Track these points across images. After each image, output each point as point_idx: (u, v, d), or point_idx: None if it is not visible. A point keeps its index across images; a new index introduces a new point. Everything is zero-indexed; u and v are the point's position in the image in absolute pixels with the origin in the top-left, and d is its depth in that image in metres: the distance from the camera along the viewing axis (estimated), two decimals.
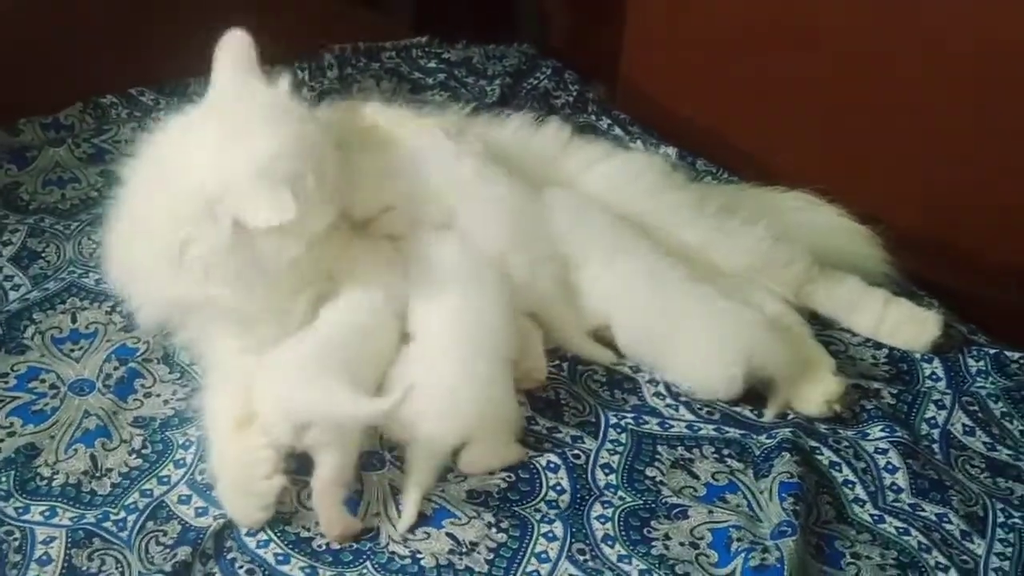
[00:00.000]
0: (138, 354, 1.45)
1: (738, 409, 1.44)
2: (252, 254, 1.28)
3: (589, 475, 1.33)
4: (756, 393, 1.46)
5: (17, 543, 1.21)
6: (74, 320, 1.51)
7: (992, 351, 1.57)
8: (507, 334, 1.38)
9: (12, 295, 1.55)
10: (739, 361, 1.41)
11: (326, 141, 1.35)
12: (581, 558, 1.23)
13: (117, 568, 1.19)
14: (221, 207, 1.25)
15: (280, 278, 1.32)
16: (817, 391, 1.45)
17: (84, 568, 1.18)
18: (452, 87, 2.19)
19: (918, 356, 1.56)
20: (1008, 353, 1.57)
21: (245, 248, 1.27)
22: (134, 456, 1.32)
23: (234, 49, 1.38)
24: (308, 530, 1.24)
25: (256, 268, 1.29)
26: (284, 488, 1.24)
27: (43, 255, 1.63)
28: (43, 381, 1.41)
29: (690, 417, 1.42)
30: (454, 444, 1.30)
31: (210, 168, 1.27)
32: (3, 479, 1.28)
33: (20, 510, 1.25)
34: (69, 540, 1.21)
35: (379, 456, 1.32)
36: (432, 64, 2.24)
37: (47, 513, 1.24)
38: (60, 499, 1.26)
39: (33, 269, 1.60)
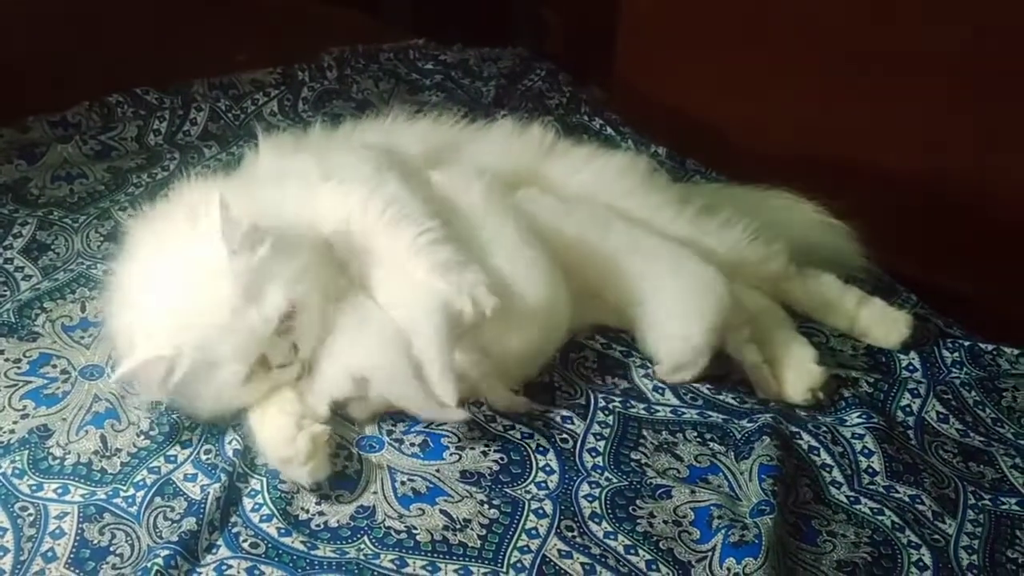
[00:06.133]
0: None
1: (721, 396, 1.50)
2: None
3: (577, 457, 1.37)
4: (738, 379, 1.51)
5: (32, 518, 1.25)
6: (83, 309, 1.56)
7: (967, 343, 1.63)
8: None
9: (23, 285, 1.60)
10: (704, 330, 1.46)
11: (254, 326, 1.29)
12: (569, 534, 1.27)
13: (127, 541, 1.23)
14: None
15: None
16: (801, 380, 1.50)
17: (95, 541, 1.23)
18: (448, 88, 2.24)
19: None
20: (982, 345, 1.63)
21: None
22: (142, 437, 1.36)
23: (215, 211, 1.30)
24: (307, 511, 1.27)
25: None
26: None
27: (52, 247, 1.69)
28: (55, 366, 1.46)
29: (675, 402, 1.47)
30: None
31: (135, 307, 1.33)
32: (18, 458, 1.32)
33: (34, 487, 1.29)
34: (81, 515, 1.25)
35: (378, 439, 1.36)
36: (429, 66, 2.30)
37: (60, 490, 1.29)
38: (72, 477, 1.31)
39: (43, 260, 1.66)
